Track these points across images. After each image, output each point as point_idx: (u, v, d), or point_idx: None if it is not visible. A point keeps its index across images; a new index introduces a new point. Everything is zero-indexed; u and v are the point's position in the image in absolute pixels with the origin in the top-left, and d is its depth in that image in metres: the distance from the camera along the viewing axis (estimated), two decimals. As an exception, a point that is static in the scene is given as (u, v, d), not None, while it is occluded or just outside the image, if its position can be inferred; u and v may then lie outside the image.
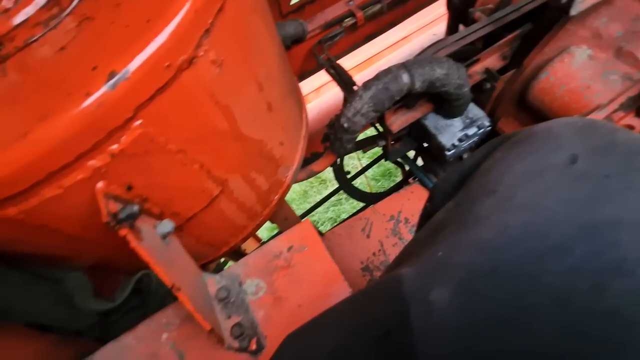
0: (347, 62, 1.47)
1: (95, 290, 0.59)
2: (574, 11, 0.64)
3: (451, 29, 1.18)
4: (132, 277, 0.64)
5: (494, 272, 0.25)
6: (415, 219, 0.97)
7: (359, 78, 1.45)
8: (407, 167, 1.52)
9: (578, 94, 0.72)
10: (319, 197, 2.30)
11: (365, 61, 1.69)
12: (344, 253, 0.95)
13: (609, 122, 0.34)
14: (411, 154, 1.25)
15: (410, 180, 1.69)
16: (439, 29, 1.66)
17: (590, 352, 0.21)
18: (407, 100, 0.84)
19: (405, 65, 0.72)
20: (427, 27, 1.76)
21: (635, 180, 0.27)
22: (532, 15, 0.81)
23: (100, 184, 0.39)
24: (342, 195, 2.47)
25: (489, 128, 0.88)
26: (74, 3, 0.38)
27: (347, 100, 0.77)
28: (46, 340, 0.63)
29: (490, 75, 0.87)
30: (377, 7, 1.35)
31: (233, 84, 0.47)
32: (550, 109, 0.78)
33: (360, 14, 1.32)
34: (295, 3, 1.22)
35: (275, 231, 2.22)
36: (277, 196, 0.74)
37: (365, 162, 2.21)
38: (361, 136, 1.01)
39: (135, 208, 0.39)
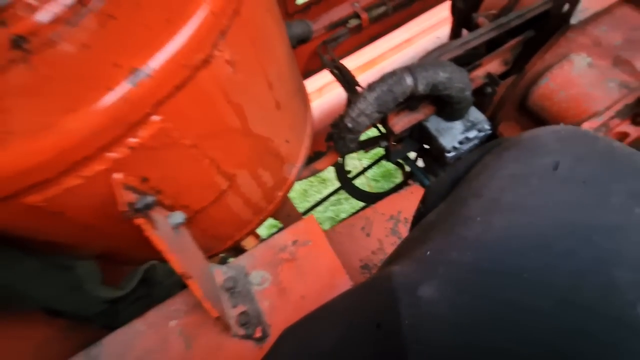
0: (351, 63, 1.49)
1: (104, 279, 0.61)
2: (574, 20, 0.66)
3: (454, 33, 1.20)
4: (140, 267, 0.67)
5: (478, 269, 0.27)
6: (414, 219, 0.99)
7: (363, 79, 1.46)
8: (407, 169, 1.54)
9: (577, 100, 0.74)
10: (318, 197, 2.32)
11: (369, 62, 1.71)
12: (344, 251, 0.97)
13: (592, 131, 0.37)
14: (412, 155, 1.27)
15: (410, 181, 1.71)
16: (443, 31, 1.68)
17: (564, 339, 0.24)
18: (410, 102, 0.86)
19: (409, 68, 0.74)
20: (431, 29, 1.77)
21: (610, 186, 0.29)
22: (535, 22, 0.83)
23: (118, 175, 0.41)
24: (342, 195, 2.49)
25: (489, 132, 0.91)
26: (97, 2, 0.40)
27: (350, 101, 0.79)
28: (55, 326, 0.65)
29: (491, 79, 0.89)
30: (382, 9, 1.36)
31: (245, 83, 0.49)
32: (549, 114, 0.80)
33: (365, 16, 1.33)
34: (301, 3, 1.24)
35: (274, 230, 2.24)
36: (281, 193, 0.76)
37: (366, 162, 2.23)
38: (363, 136, 1.03)
39: (151, 199, 0.41)
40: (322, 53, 1.28)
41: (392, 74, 0.75)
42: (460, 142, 0.91)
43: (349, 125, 0.78)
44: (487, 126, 0.90)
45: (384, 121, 0.91)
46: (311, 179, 2.88)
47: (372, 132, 1.10)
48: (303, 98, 0.80)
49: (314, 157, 1.02)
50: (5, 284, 0.46)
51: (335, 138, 0.84)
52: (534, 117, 0.85)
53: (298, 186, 2.89)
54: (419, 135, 1.00)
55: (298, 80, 0.75)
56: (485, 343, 0.25)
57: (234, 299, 0.50)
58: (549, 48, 0.78)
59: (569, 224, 0.28)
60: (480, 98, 0.93)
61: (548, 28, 0.77)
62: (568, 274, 0.26)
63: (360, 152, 1.18)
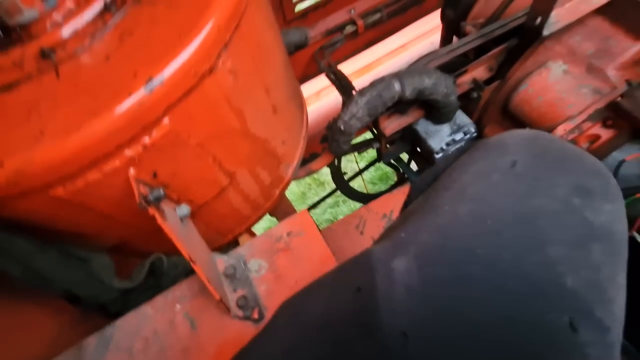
0: (347, 68, 1.54)
1: (116, 271, 0.66)
2: (546, 32, 0.72)
3: (445, 40, 1.26)
4: (147, 260, 0.72)
5: (442, 247, 0.33)
6: (405, 217, 1.04)
7: (359, 83, 1.52)
8: (401, 170, 1.59)
9: (553, 105, 0.80)
10: (316, 199, 2.37)
11: (365, 67, 1.76)
12: (339, 248, 1.01)
13: (549, 134, 0.43)
14: (405, 157, 1.33)
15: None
16: (437, 37, 1.73)
17: (509, 301, 0.29)
18: (400, 106, 0.91)
19: (397, 75, 0.80)
20: (425, 35, 1.82)
21: (557, 180, 0.35)
22: (517, 31, 0.89)
23: (132, 171, 0.46)
24: (340, 197, 2.53)
25: (475, 134, 0.96)
26: (116, 19, 0.46)
27: (344, 105, 0.85)
28: (68, 314, 0.70)
29: (477, 85, 0.95)
30: (377, 15, 1.42)
31: (245, 89, 0.55)
32: (529, 118, 0.85)
33: (361, 22, 1.39)
34: (299, 10, 1.30)
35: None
36: (278, 190, 0.81)
37: (362, 165, 2.28)
38: (360, 138, 1.09)
39: (161, 192, 0.46)
40: (319, 58, 1.34)
41: (381, 80, 0.80)
42: (448, 144, 0.97)
43: (342, 127, 0.84)
44: (472, 129, 0.96)
45: (375, 124, 0.96)
46: (309, 181, 2.93)
47: (368, 135, 1.16)
48: (299, 102, 0.86)
49: (309, 159, 1.08)
50: (33, 269, 0.51)
51: (329, 140, 0.90)
52: (515, 120, 0.90)
53: (296, 189, 2.94)
54: (410, 137, 1.05)
55: (294, 85, 0.81)
56: (443, 305, 0.30)
57: (233, 284, 0.55)
58: (529, 56, 0.84)
59: (519, 212, 0.34)
60: (467, 102, 0.99)
61: (528, 37, 0.83)
62: (513, 252, 0.31)
63: (357, 154, 1.23)
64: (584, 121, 0.75)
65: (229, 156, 0.59)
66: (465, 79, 0.98)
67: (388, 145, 1.09)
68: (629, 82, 0.74)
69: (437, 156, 0.98)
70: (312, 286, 0.41)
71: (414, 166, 1.40)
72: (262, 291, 0.55)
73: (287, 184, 0.84)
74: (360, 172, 1.94)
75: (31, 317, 0.67)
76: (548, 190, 0.34)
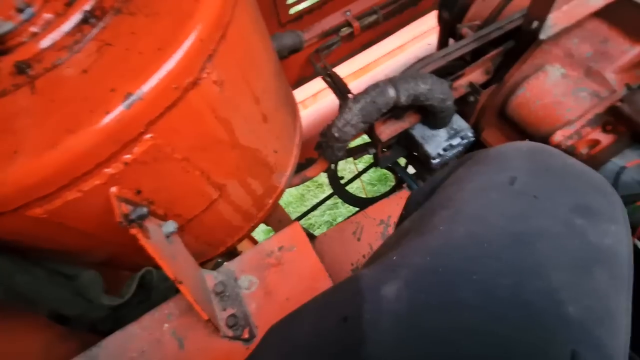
0: (343, 70, 1.53)
1: (105, 287, 0.64)
2: (543, 35, 0.70)
3: (442, 42, 1.24)
4: (136, 275, 0.70)
5: (435, 272, 0.31)
6: (402, 223, 1.02)
7: (355, 85, 1.50)
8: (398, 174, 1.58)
9: (551, 109, 0.78)
10: (315, 201, 2.35)
11: (361, 69, 1.75)
12: (336, 255, 1.00)
13: (551, 148, 0.41)
14: (403, 161, 1.31)
15: (404, 185, 1.75)
16: (433, 39, 1.72)
17: (507, 332, 0.27)
18: (395, 112, 0.90)
19: (391, 81, 0.78)
20: (421, 36, 1.81)
21: (558, 199, 0.33)
22: (514, 34, 0.87)
23: (113, 189, 0.44)
24: (339, 199, 2.52)
25: (472, 139, 0.94)
26: (95, 30, 0.44)
27: (339, 110, 0.83)
28: (54, 331, 0.68)
29: (473, 89, 0.93)
30: (373, 17, 1.40)
31: (232, 100, 0.53)
32: (526, 122, 0.84)
33: (356, 24, 1.37)
34: (294, 13, 1.28)
35: (271, 234, 2.27)
36: (271, 200, 0.80)
37: (361, 167, 2.26)
38: (358, 141, 1.07)
39: (144, 210, 0.45)
40: (315, 61, 1.32)
41: (376, 86, 0.79)
42: (445, 149, 0.95)
43: (336, 134, 0.82)
44: (469, 134, 0.94)
45: (371, 130, 0.94)
46: (308, 183, 2.91)
47: (367, 137, 1.14)
48: (291, 109, 0.84)
49: (306, 164, 1.06)
50: (15, 289, 0.49)
51: (324, 147, 0.88)
52: (513, 124, 0.89)
53: (295, 191, 2.93)
54: (406, 143, 1.04)
55: (285, 92, 0.79)
56: (435, 335, 0.28)
57: (223, 302, 0.54)
58: (526, 59, 0.82)
59: (519, 233, 0.32)
60: (464, 106, 0.97)
61: (525, 40, 0.82)
62: (512, 277, 0.29)
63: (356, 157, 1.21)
64: (583, 126, 0.73)
65: (218, 168, 0.58)
66: (462, 83, 0.96)
67: (384, 150, 1.07)
68: (628, 86, 0.72)
69: (435, 161, 0.97)
70: (300, 311, 0.39)
71: (411, 169, 1.39)
72: (253, 309, 0.53)
73: (281, 193, 0.83)
74: (358, 175, 1.92)
75: (17, 333, 0.65)
76: (548, 210, 0.33)
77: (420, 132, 0.98)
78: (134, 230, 0.43)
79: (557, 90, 0.78)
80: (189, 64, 0.43)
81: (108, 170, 0.42)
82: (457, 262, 0.31)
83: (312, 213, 2.16)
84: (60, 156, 0.38)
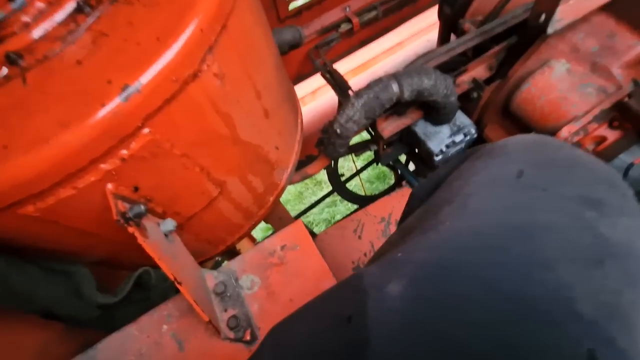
0: (342, 66, 1.51)
1: (100, 285, 0.63)
2: (550, 29, 0.69)
3: (442, 38, 1.23)
4: (133, 274, 0.68)
5: (440, 268, 0.29)
6: (404, 221, 1.01)
7: (355, 82, 1.48)
8: (399, 171, 1.57)
9: (556, 105, 0.77)
10: (314, 199, 2.34)
11: (361, 65, 1.73)
12: (336, 253, 0.99)
13: (558, 140, 0.39)
14: (403, 158, 1.30)
15: (403, 183, 1.74)
16: (433, 35, 1.71)
17: (516, 330, 0.26)
18: (398, 108, 0.88)
19: (395, 76, 0.76)
20: (421, 33, 1.80)
21: (566, 192, 0.31)
22: (518, 29, 0.86)
23: (110, 186, 0.43)
24: (337, 196, 2.51)
25: (475, 135, 0.93)
26: (90, 20, 0.42)
27: (340, 106, 0.81)
28: (52, 330, 0.66)
29: (477, 85, 0.92)
30: (373, 13, 1.39)
31: (233, 94, 0.51)
32: (531, 118, 0.82)
33: (356, 20, 1.36)
34: (293, 9, 1.26)
35: (269, 232, 2.26)
36: (272, 197, 0.78)
37: (360, 164, 2.25)
38: (357, 138, 1.05)
39: (142, 208, 0.43)
40: (314, 57, 1.30)
41: (379, 82, 0.77)
42: (447, 146, 0.94)
43: (338, 131, 0.80)
44: (472, 130, 0.93)
45: (373, 126, 0.93)
46: (306, 181, 2.90)
47: (365, 135, 1.13)
48: (293, 104, 0.82)
49: (306, 161, 1.05)
50: (7, 288, 0.48)
51: (325, 143, 0.86)
52: (517, 121, 0.87)
53: (294, 188, 2.91)
54: (408, 139, 1.02)
55: (287, 87, 0.77)
56: (440, 333, 0.27)
57: (224, 303, 0.52)
58: (531, 54, 0.81)
59: (526, 227, 0.30)
60: (467, 103, 0.95)
61: (529, 35, 0.80)
62: (520, 273, 0.28)
63: (355, 156, 1.20)
64: (589, 122, 0.72)
65: (218, 165, 0.56)
66: (465, 79, 0.95)
67: (386, 147, 1.06)
68: (635, 81, 0.71)
69: (437, 158, 0.95)
70: (301, 310, 0.38)
71: (411, 166, 1.37)
72: (255, 310, 0.52)
73: (282, 190, 0.81)
74: (358, 172, 1.91)
75: (15, 332, 0.63)
76: (556, 203, 0.31)
77: (422, 128, 0.96)
78: (131, 229, 0.41)
79: (563, 86, 0.77)
80: (188, 56, 0.41)
81: (104, 167, 0.40)
82: (462, 257, 0.30)
83: (311, 211, 2.14)
84: (53, 151, 0.36)
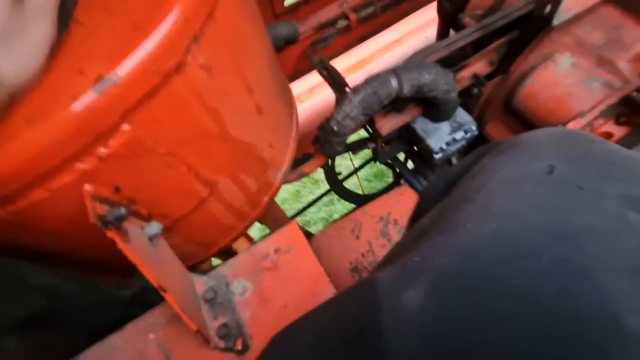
0: (340, 63, 1.48)
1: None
2: (556, 21, 0.66)
3: (441, 33, 1.20)
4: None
5: (463, 276, 0.26)
6: (403, 221, 0.98)
7: (352, 79, 1.45)
8: (398, 169, 1.54)
9: (561, 100, 0.74)
10: (311, 197, 2.31)
11: (358, 63, 1.70)
12: (334, 253, 0.96)
13: (588, 133, 0.36)
14: (402, 156, 1.27)
15: (402, 181, 1.71)
16: (432, 32, 1.68)
17: (552, 351, 0.23)
18: (396, 104, 0.85)
19: (393, 71, 0.73)
20: (419, 29, 1.77)
21: (605, 191, 0.28)
22: (519, 23, 0.83)
23: (87, 187, 0.39)
24: (335, 195, 2.48)
25: (476, 133, 0.90)
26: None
27: (337, 103, 0.78)
28: (34, 341, 0.63)
29: (477, 80, 0.89)
30: (370, 9, 1.36)
31: (222, 88, 0.48)
32: (534, 114, 0.80)
33: (353, 16, 1.33)
34: (289, 4, 1.23)
35: (267, 231, 2.23)
36: (266, 197, 0.75)
37: (357, 162, 2.22)
38: (354, 136, 1.02)
39: (123, 210, 0.40)
40: (311, 54, 1.27)
41: (377, 77, 0.74)
42: (448, 143, 0.91)
43: (335, 128, 0.77)
44: (473, 127, 0.90)
45: (371, 123, 0.90)
46: (303, 180, 2.87)
47: (363, 132, 1.10)
48: (288, 101, 0.79)
49: (302, 160, 1.01)
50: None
51: (322, 141, 0.84)
52: (519, 117, 0.85)
53: (290, 187, 2.88)
54: (407, 137, 0.99)
55: (281, 83, 0.74)
56: (465, 348, 0.24)
57: (214, 310, 0.49)
58: (534, 48, 0.78)
59: (561, 230, 0.27)
60: (467, 99, 0.93)
61: (532, 28, 0.77)
62: (558, 282, 0.25)
63: (353, 153, 1.17)
64: (595, 118, 0.69)
65: (207, 164, 0.53)
66: (465, 74, 0.92)
67: (384, 145, 1.03)
68: (643, 75, 0.69)
69: (437, 156, 0.92)
70: (305, 319, 0.34)
71: (410, 165, 1.34)
72: (247, 317, 0.49)
73: (277, 190, 0.78)
74: (355, 171, 1.88)
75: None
76: (595, 203, 0.28)
77: (421, 125, 0.93)
78: (110, 233, 0.38)
79: (568, 81, 0.74)
80: (171, 45, 0.38)
81: (80, 166, 0.37)
82: (491, 265, 0.26)
83: (308, 209, 2.12)
84: (20, 150, 0.33)
